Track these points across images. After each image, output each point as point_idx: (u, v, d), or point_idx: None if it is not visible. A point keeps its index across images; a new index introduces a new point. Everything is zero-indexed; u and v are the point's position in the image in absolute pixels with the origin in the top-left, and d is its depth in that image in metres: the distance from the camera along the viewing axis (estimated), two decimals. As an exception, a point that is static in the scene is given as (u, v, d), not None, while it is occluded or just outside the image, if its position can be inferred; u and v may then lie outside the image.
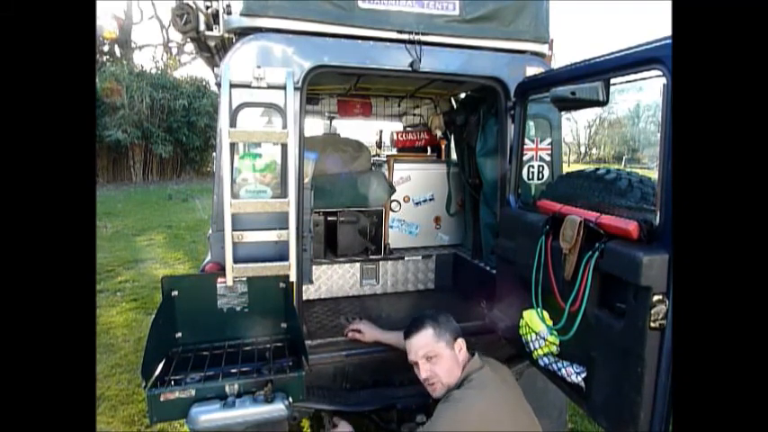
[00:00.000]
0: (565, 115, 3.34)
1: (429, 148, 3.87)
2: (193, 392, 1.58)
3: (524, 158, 2.18)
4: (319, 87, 3.51)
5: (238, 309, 1.94)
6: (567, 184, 1.91)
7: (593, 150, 31.07)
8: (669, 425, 1.31)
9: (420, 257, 3.09)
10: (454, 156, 3.51)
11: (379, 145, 4.78)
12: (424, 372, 1.63)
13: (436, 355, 1.61)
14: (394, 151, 4.12)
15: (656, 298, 1.24)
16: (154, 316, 1.76)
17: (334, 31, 1.93)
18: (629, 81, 1.49)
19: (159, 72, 16.11)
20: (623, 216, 1.43)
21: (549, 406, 2.22)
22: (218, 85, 1.82)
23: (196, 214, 9.20)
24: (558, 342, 1.65)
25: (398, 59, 2.00)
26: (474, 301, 2.44)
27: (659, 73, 1.25)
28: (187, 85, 15.21)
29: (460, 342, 1.65)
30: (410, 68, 2.01)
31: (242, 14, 1.84)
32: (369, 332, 2.12)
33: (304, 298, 2.33)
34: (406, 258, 3.03)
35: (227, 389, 1.61)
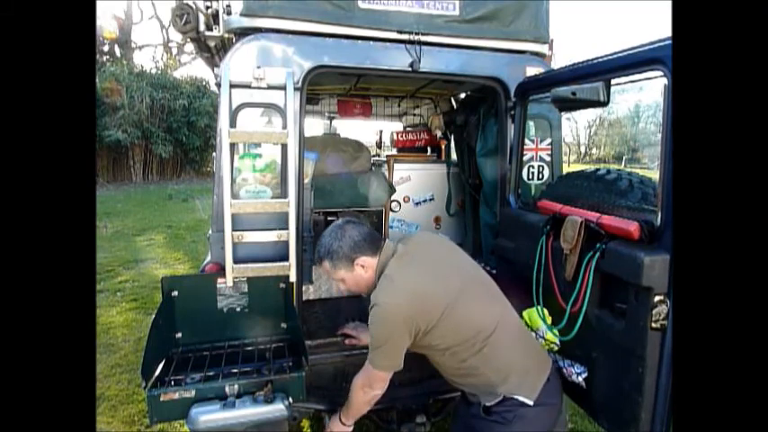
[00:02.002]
0: (565, 115, 3.34)
1: (429, 149, 3.87)
2: (193, 393, 1.58)
3: (524, 158, 2.18)
4: (319, 87, 3.51)
5: (238, 309, 1.94)
6: (568, 185, 1.91)
7: (594, 150, 31.06)
8: (670, 425, 1.31)
9: None
10: (454, 156, 3.51)
11: (379, 145, 4.78)
12: (341, 286, 1.70)
13: (341, 279, 1.65)
14: (394, 151, 4.12)
15: (657, 298, 1.24)
16: (154, 316, 1.76)
17: (333, 32, 1.93)
18: (630, 81, 1.49)
19: (159, 72, 16.10)
20: (624, 216, 1.43)
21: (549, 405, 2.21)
22: (218, 85, 1.82)
23: (196, 214, 9.19)
24: (557, 340, 1.65)
25: (398, 59, 2.00)
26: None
27: (660, 73, 1.25)
28: (187, 85, 15.19)
29: (361, 260, 1.59)
30: (410, 68, 2.01)
31: (242, 15, 1.84)
32: (364, 336, 2.10)
33: (304, 298, 2.33)
34: None
35: (227, 389, 1.61)
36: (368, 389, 1.61)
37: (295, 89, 1.85)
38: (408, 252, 1.60)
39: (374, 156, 3.90)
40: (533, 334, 1.70)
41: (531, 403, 1.46)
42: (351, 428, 1.76)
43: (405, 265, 1.55)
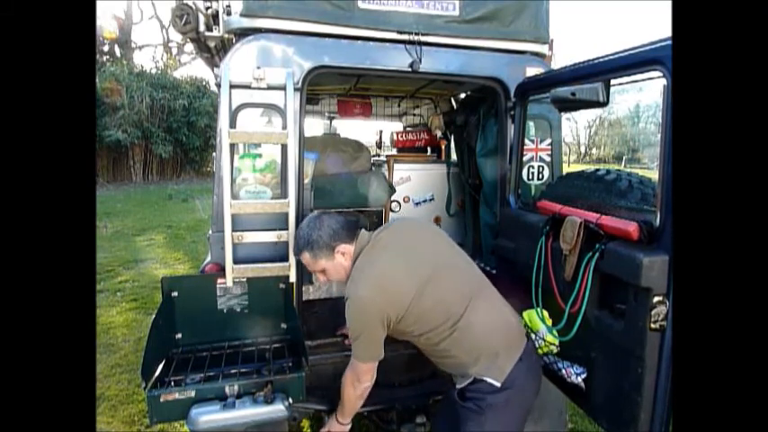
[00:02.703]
0: (565, 115, 3.34)
1: (429, 149, 3.86)
2: (193, 393, 1.58)
3: (524, 159, 2.18)
4: (319, 87, 3.51)
5: (238, 309, 1.94)
6: (568, 185, 1.91)
7: (593, 151, 31.06)
8: (669, 426, 1.31)
9: None
10: (454, 156, 3.51)
11: (379, 145, 4.78)
12: (321, 278, 1.72)
13: (322, 269, 1.67)
14: (394, 151, 4.12)
15: (656, 299, 1.24)
16: (154, 316, 1.76)
17: (333, 32, 1.93)
18: (630, 82, 1.49)
19: (159, 72, 16.10)
20: (623, 217, 1.43)
21: (549, 406, 2.21)
22: (218, 85, 1.82)
23: (196, 214, 9.19)
24: (557, 342, 1.65)
25: (398, 60, 2.00)
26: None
27: (660, 74, 1.25)
28: (187, 85, 15.19)
29: (341, 248, 1.62)
30: (410, 69, 2.01)
31: (242, 15, 1.84)
32: None
33: (304, 298, 2.33)
34: None
35: (227, 390, 1.62)
36: (357, 383, 1.64)
37: (295, 89, 1.85)
38: (380, 242, 1.63)
39: (374, 156, 3.90)
40: (532, 336, 1.70)
41: (498, 385, 1.51)
42: (348, 426, 1.77)
43: (375, 257, 1.59)
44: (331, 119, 4.11)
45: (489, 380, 1.52)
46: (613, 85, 1.46)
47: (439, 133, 3.52)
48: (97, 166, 12.93)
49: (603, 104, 1.46)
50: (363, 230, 1.69)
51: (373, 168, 3.16)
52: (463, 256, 1.71)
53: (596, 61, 1.51)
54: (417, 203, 3.26)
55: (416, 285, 1.52)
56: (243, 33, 1.86)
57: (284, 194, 1.87)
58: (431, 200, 3.27)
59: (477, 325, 1.55)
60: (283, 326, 2.00)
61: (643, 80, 1.42)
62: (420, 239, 1.69)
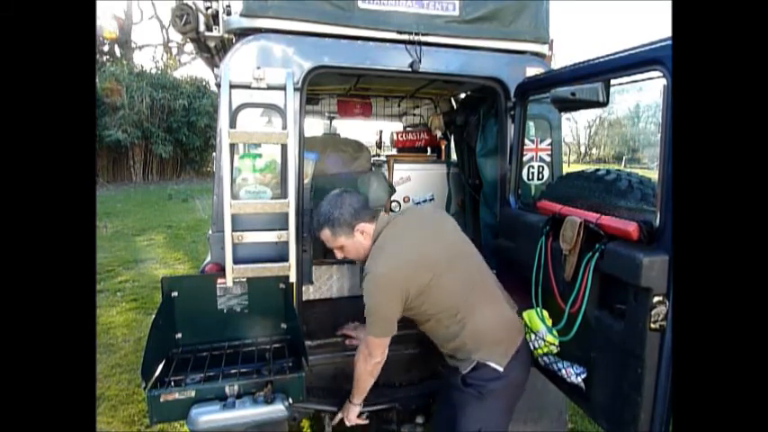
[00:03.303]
0: (565, 115, 3.34)
1: (429, 149, 3.86)
2: (193, 393, 1.58)
3: (524, 159, 2.18)
4: (319, 87, 3.51)
5: (238, 309, 1.94)
6: (567, 185, 1.91)
7: (593, 151, 31.06)
8: (669, 426, 1.31)
9: None
10: (454, 156, 3.50)
11: (379, 145, 4.78)
12: (338, 254, 1.77)
13: (340, 246, 1.72)
14: (394, 151, 4.12)
15: (656, 299, 1.24)
16: (154, 316, 1.76)
17: (333, 32, 1.93)
18: (630, 82, 1.49)
19: (159, 72, 16.10)
20: (623, 217, 1.43)
21: (549, 406, 2.22)
22: (218, 85, 1.82)
23: (196, 214, 9.20)
24: (557, 342, 1.65)
25: (398, 60, 2.00)
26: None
27: (659, 74, 1.25)
28: (187, 85, 15.20)
29: (361, 227, 1.68)
30: (410, 69, 2.01)
31: (242, 15, 1.84)
32: (362, 332, 2.11)
33: (304, 298, 2.33)
34: None
35: (226, 390, 1.61)
36: (369, 357, 1.67)
37: (295, 89, 1.85)
38: (400, 223, 1.71)
39: (374, 156, 3.90)
40: (533, 336, 1.70)
41: (501, 370, 1.60)
42: (360, 407, 1.83)
43: (396, 236, 1.66)
44: (331, 119, 4.11)
45: (492, 364, 1.60)
46: (613, 85, 1.46)
47: (439, 133, 3.52)
48: (97, 166, 12.92)
49: (603, 104, 1.46)
50: (383, 213, 1.75)
51: (373, 168, 3.16)
52: (473, 245, 1.80)
53: (596, 61, 1.51)
54: (417, 203, 3.26)
55: (435, 266, 1.59)
56: (243, 33, 1.86)
57: (284, 194, 1.87)
58: (431, 200, 3.27)
59: (484, 313, 1.64)
60: (283, 326, 2.00)
61: (643, 80, 1.42)
62: (437, 225, 1.77)
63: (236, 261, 1.81)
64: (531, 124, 2.27)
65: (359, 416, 1.87)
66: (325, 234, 1.72)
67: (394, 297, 1.56)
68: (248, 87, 1.83)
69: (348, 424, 1.87)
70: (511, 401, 1.69)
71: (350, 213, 1.67)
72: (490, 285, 1.74)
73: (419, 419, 2.09)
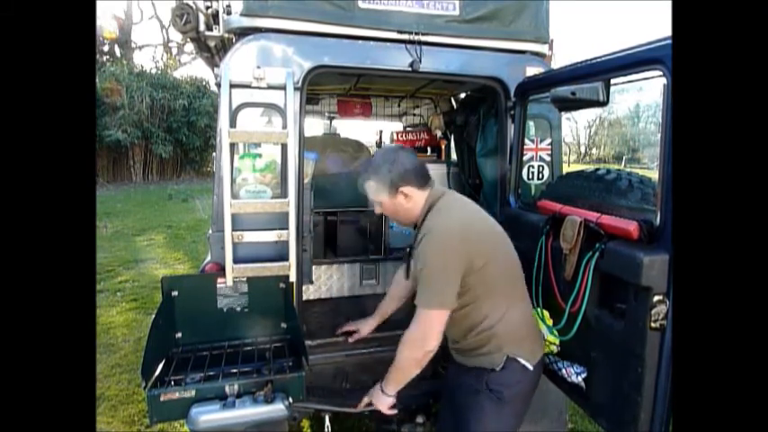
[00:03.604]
0: (565, 115, 3.34)
1: (429, 148, 3.86)
2: (193, 393, 1.58)
3: (524, 158, 2.18)
4: (319, 87, 3.51)
5: (238, 309, 1.94)
6: (568, 185, 1.91)
7: (594, 150, 31.06)
8: (669, 425, 1.31)
9: None
10: (454, 156, 3.50)
11: (379, 145, 4.78)
12: (377, 209, 1.68)
13: (380, 202, 1.64)
14: (394, 151, 4.10)
15: (656, 298, 1.24)
16: (154, 316, 1.76)
17: (334, 32, 1.93)
18: (630, 81, 1.49)
19: (159, 72, 16.10)
20: (623, 216, 1.43)
21: (549, 406, 2.21)
22: (218, 85, 1.82)
23: (196, 214, 9.20)
24: (557, 342, 1.65)
25: (398, 59, 2.00)
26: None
27: (659, 73, 1.25)
28: (187, 85, 15.19)
29: (407, 190, 1.57)
30: (410, 68, 2.01)
31: (242, 15, 1.84)
32: (365, 326, 2.12)
33: (304, 298, 2.33)
34: None
35: (227, 389, 1.61)
36: (420, 342, 1.46)
37: (295, 89, 1.85)
38: (457, 198, 1.64)
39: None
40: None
41: (531, 368, 1.53)
42: (393, 400, 1.66)
43: (457, 204, 1.59)
44: (331, 119, 4.11)
45: (522, 360, 1.52)
46: (613, 85, 1.46)
47: (439, 133, 3.52)
48: (97, 166, 12.92)
49: (603, 104, 1.46)
50: (437, 185, 1.67)
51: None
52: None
53: (596, 61, 1.51)
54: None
55: (491, 250, 1.52)
56: (243, 33, 1.86)
57: (284, 194, 1.87)
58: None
59: (520, 308, 1.58)
60: (283, 325, 2.00)
61: (643, 79, 1.42)
62: (486, 213, 1.68)
63: (236, 260, 1.81)
64: (531, 124, 2.27)
65: (391, 407, 1.66)
66: (369, 186, 1.63)
67: (457, 259, 1.42)
68: (248, 87, 1.83)
69: (383, 411, 1.67)
70: (526, 407, 1.61)
71: (398, 173, 1.57)
72: (523, 284, 1.66)
73: (419, 419, 2.09)
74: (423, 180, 1.61)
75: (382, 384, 1.63)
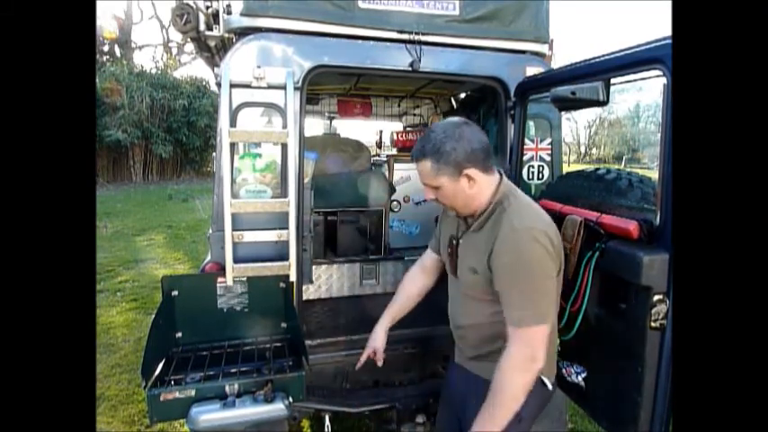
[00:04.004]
0: (565, 115, 3.34)
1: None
2: (193, 392, 1.58)
3: (524, 158, 2.18)
4: (319, 87, 3.51)
5: (238, 309, 1.94)
6: (568, 184, 1.91)
7: (594, 150, 31.07)
8: (669, 425, 1.31)
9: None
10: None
11: (379, 145, 4.79)
12: (428, 195, 1.42)
13: (438, 186, 1.37)
14: (394, 151, 4.12)
15: (656, 298, 1.24)
16: (154, 316, 1.76)
17: (334, 31, 1.93)
18: (630, 81, 1.49)
19: (159, 72, 16.10)
20: (624, 216, 1.43)
21: (549, 406, 2.21)
22: (219, 85, 1.82)
23: (196, 214, 9.20)
24: (557, 342, 1.65)
25: (398, 59, 2.00)
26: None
27: (660, 73, 1.25)
28: (187, 85, 15.19)
29: (472, 172, 1.32)
30: (410, 68, 2.01)
31: (242, 14, 1.84)
32: (379, 338, 1.71)
33: (304, 298, 2.33)
34: (405, 258, 3.03)
35: (227, 389, 1.61)
36: (531, 364, 1.24)
37: (295, 89, 1.85)
38: (527, 197, 1.45)
39: (374, 156, 3.90)
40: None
41: (550, 387, 1.42)
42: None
43: (528, 199, 1.41)
44: (331, 119, 4.11)
45: (544, 378, 1.40)
46: (613, 84, 1.46)
47: (439, 133, 3.50)
48: (97, 166, 12.92)
49: (603, 103, 1.46)
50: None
51: (373, 168, 3.16)
52: None
53: (596, 60, 1.51)
54: (418, 203, 3.27)
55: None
56: (243, 33, 1.86)
57: (284, 194, 1.87)
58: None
59: (554, 322, 1.41)
60: (283, 325, 2.00)
61: (643, 79, 1.42)
62: None
63: (236, 260, 1.81)
64: (531, 124, 2.27)
65: None
66: (425, 166, 1.35)
67: (554, 263, 1.26)
68: (248, 87, 1.83)
69: None
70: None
71: (464, 152, 1.31)
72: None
73: (419, 419, 2.09)
74: (489, 162, 1.37)
75: (483, 422, 1.26)
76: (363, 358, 1.71)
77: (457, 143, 1.31)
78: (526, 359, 1.24)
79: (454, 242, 1.50)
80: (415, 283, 1.76)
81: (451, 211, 1.44)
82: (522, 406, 1.27)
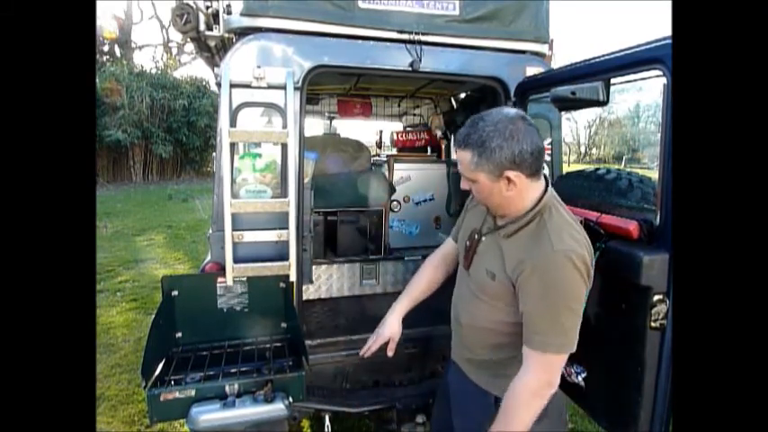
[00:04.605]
0: (565, 115, 3.34)
1: (429, 148, 3.87)
2: (193, 392, 1.58)
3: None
4: (319, 87, 3.51)
5: (238, 309, 1.94)
6: (568, 184, 1.91)
7: (594, 150, 31.07)
8: (669, 425, 1.31)
9: (420, 257, 3.08)
10: (454, 156, 3.51)
11: (379, 145, 4.79)
12: (464, 184, 1.34)
13: (473, 179, 1.28)
14: (394, 151, 4.12)
15: (656, 298, 1.24)
16: (154, 316, 1.76)
17: (334, 31, 1.93)
18: (630, 81, 1.49)
19: (159, 72, 16.10)
20: (623, 216, 1.43)
21: (549, 406, 2.21)
22: (219, 85, 1.82)
23: (196, 214, 9.20)
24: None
25: (398, 59, 2.00)
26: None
27: (659, 73, 1.25)
28: (187, 85, 15.19)
29: (513, 174, 1.21)
30: (410, 68, 2.01)
31: (242, 14, 1.84)
32: (394, 324, 1.64)
33: (304, 298, 2.33)
34: (405, 258, 3.03)
35: (227, 389, 1.61)
36: (546, 389, 1.21)
37: (295, 89, 1.85)
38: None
39: (374, 156, 3.91)
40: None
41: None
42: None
43: (568, 215, 1.31)
44: (331, 119, 4.12)
45: None
46: (613, 84, 1.46)
47: (439, 133, 3.53)
48: (97, 166, 12.92)
49: (603, 103, 1.46)
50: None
51: (373, 168, 3.16)
52: None
53: (596, 60, 1.51)
54: (417, 203, 3.27)
55: None
56: (243, 33, 1.86)
57: (284, 194, 1.87)
58: (431, 200, 3.28)
59: None
60: (283, 325, 2.00)
61: (643, 79, 1.42)
62: None
63: (236, 260, 1.81)
64: (531, 124, 2.27)
65: None
66: (465, 156, 1.26)
67: (586, 289, 1.20)
68: (248, 86, 1.83)
69: None
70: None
71: (511, 153, 1.19)
72: None
73: (419, 419, 2.09)
74: (536, 168, 1.25)
75: None
76: (375, 347, 1.61)
77: (505, 141, 1.19)
78: (543, 385, 1.21)
79: (476, 236, 1.42)
80: (437, 269, 1.67)
81: (483, 204, 1.36)
82: None
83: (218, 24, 1.92)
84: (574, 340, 1.19)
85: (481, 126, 1.23)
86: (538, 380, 1.20)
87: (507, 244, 1.30)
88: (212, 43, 2.15)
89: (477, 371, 1.42)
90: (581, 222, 1.48)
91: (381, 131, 4.68)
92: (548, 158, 2.37)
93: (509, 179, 1.22)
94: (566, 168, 2.60)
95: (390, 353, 1.62)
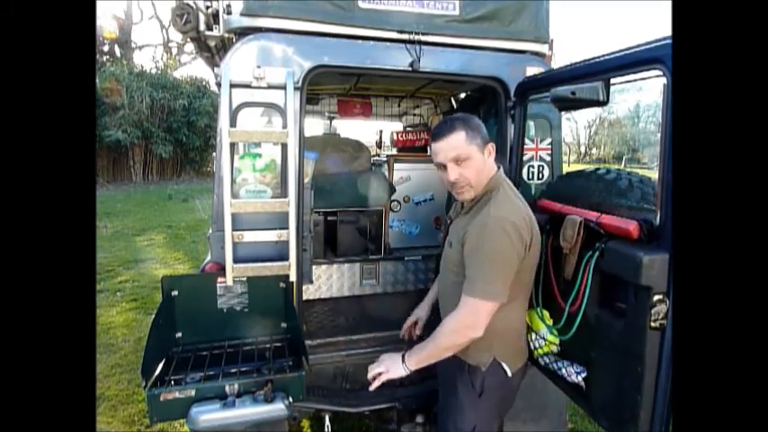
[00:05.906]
0: (565, 115, 3.34)
1: (429, 149, 3.86)
2: (193, 392, 1.58)
3: (524, 158, 2.18)
4: (319, 87, 3.51)
5: (238, 309, 1.94)
6: (568, 184, 1.91)
7: (593, 150, 31.08)
8: (669, 425, 1.31)
9: (420, 257, 3.09)
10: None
11: (379, 145, 4.79)
12: (452, 174, 1.49)
13: (468, 157, 1.46)
14: (394, 151, 4.12)
15: (656, 298, 1.24)
16: (154, 316, 1.76)
17: (334, 31, 1.93)
18: (630, 81, 1.49)
19: (159, 72, 16.10)
20: (623, 216, 1.43)
21: (549, 406, 2.21)
22: (219, 85, 1.82)
23: (196, 214, 9.20)
24: (558, 342, 1.65)
25: (398, 59, 2.00)
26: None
27: (659, 73, 1.25)
28: (187, 85, 15.20)
29: (490, 147, 1.51)
30: (410, 68, 2.01)
31: (242, 14, 1.84)
32: (421, 308, 1.91)
33: (304, 298, 2.33)
34: (405, 258, 3.03)
35: (227, 389, 1.62)
36: (468, 330, 1.41)
37: (295, 89, 1.85)
38: (510, 183, 1.58)
39: (374, 156, 3.91)
40: (534, 335, 1.70)
41: (509, 374, 1.56)
42: (407, 372, 1.57)
43: (515, 192, 1.54)
44: (331, 119, 4.11)
45: (505, 366, 1.55)
46: (613, 84, 1.46)
47: (439, 133, 3.50)
48: (97, 166, 12.92)
49: (603, 103, 1.46)
50: None
51: (373, 168, 3.16)
52: None
53: (596, 60, 1.51)
54: (417, 203, 3.27)
55: (537, 246, 1.50)
56: (243, 33, 1.86)
57: (284, 194, 1.87)
58: (431, 200, 3.28)
59: (523, 312, 1.61)
60: (283, 325, 2.00)
61: (643, 79, 1.42)
62: None
63: (236, 260, 1.81)
64: (531, 124, 2.27)
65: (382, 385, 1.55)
66: (457, 137, 1.45)
67: (516, 253, 1.39)
68: (248, 86, 1.83)
69: (380, 380, 1.54)
70: (504, 406, 1.66)
71: (485, 134, 1.50)
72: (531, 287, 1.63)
73: (419, 419, 2.09)
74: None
75: (405, 355, 1.51)
76: (405, 327, 1.91)
77: (479, 123, 1.50)
78: (466, 325, 1.41)
79: (448, 221, 1.69)
80: None
81: (463, 192, 1.52)
82: (480, 382, 1.53)
83: (218, 24, 1.92)
84: (498, 289, 1.39)
85: (454, 116, 1.52)
86: (463, 319, 1.42)
87: (465, 219, 1.53)
88: (212, 43, 2.15)
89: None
90: (581, 223, 1.48)
91: (381, 131, 4.68)
92: (548, 158, 2.37)
93: (490, 152, 1.51)
94: (566, 168, 2.60)
95: (418, 332, 1.88)
